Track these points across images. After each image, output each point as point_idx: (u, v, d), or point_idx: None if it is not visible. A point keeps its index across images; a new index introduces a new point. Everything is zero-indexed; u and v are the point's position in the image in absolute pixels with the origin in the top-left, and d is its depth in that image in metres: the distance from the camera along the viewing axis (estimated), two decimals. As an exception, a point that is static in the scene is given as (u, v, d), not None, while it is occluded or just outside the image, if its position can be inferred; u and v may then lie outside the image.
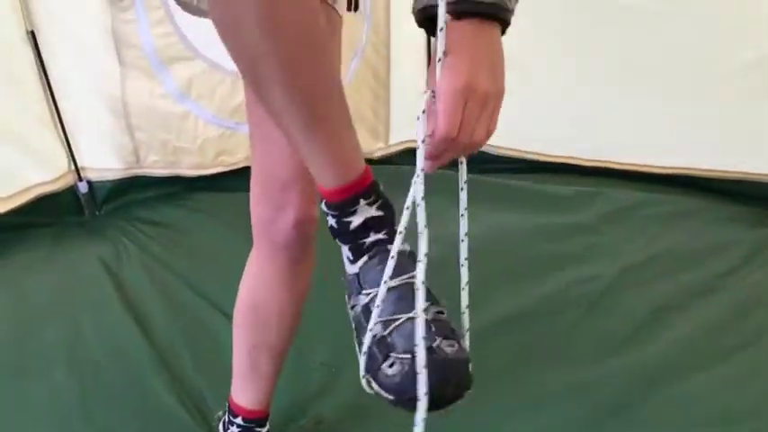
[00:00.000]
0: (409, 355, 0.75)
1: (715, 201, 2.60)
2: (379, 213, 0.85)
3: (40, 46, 2.32)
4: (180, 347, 1.82)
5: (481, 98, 0.76)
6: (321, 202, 0.87)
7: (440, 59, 0.75)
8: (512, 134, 2.89)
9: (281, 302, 1.23)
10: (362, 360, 0.82)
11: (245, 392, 1.35)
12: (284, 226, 1.09)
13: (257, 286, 1.23)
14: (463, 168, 0.83)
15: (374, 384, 0.79)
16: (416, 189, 0.77)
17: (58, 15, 2.31)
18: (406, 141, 3.08)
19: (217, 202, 2.65)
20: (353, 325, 0.85)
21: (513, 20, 0.79)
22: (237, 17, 0.67)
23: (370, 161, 3.04)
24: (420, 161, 0.76)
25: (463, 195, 0.83)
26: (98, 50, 2.40)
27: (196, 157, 2.72)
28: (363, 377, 0.81)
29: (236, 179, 2.70)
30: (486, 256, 2.25)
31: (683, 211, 2.54)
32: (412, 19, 0.85)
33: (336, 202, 0.83)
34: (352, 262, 0.86)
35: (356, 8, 0.97)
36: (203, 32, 2.41)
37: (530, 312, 1.96)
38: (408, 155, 2.94)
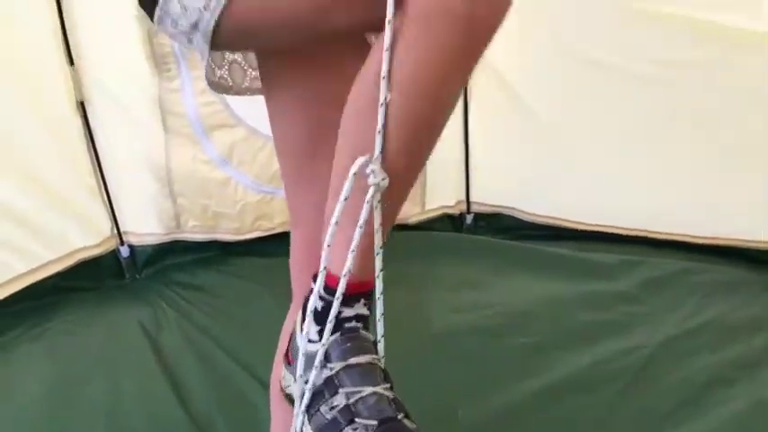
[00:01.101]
0: (375, 422, 0.81)
1: (761, 271, 2.53)
2: (367, 312, 0.92)
3: (88, 115, 2.39)
4: (216, 417, 1.82)
5: None
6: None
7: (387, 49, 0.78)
8: (550, 201, 2.90)
9: None
10: (314, 427, 0.87)
11: None
12: None
13: None
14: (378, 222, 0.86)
15: None
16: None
17: (107, 86, 2.39)
18: (444, 207, 2.99)
19: (254, 267, 2.66)
20: (306, 395, 0.89)
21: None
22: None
23: (405, 227, 2.97)
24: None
25: (378, 259, 0.88)
26: (144, 119, 2.47)
27: (235, 222, 2.74)
28: None
29: (274, 244, 2.71)
30: (526, 325, 2.23)
31: (728, 282, 2.47)
32: None
33: (351, 294, 0.88)
34: (318, 341, 0.89)
35: None
36: (246, 101, 2.47)
37: (570, 384, 1.91)
38: (446, 221, 2.93)
